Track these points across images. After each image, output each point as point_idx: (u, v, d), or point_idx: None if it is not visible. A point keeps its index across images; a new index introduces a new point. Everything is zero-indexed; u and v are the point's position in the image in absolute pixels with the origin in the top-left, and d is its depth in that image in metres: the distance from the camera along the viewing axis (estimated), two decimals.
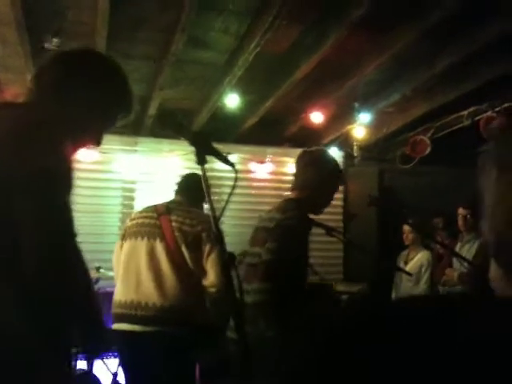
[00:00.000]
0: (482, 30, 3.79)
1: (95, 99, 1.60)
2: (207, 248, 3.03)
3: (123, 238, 3.20)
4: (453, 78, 4.67)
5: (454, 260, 4.41)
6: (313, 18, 3.80)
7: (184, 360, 2.96)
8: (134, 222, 3.19)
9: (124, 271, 3.07)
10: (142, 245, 3.05)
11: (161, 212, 3.14)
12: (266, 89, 4.91)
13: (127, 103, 1.72)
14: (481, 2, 3.49)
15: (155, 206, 3.26)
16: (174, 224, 3.05)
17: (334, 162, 2.73)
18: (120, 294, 3.03)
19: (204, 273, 3.04)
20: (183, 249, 3.00)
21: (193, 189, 3.27)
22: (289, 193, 2.75)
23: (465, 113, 5.28)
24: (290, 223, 2.40)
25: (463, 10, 3.47)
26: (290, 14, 3.46)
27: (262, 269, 2.32)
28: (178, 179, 3.51)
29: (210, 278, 3.03)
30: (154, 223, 3.09)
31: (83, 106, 1.58)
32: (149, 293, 2.92)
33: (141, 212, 3.31)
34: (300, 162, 2.71)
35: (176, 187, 3.42)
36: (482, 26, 3.75)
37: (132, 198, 5.67)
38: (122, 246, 3.18)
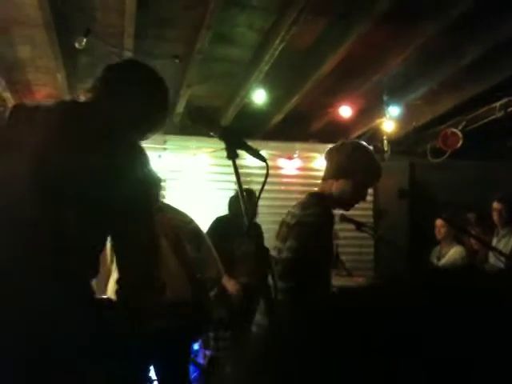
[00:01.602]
0: (506, 20, 3.69)
1: (149, 107, 1.76)
2: (205, 242, 3.20)
3: None
4: (481, 69, 4.57)
5: (490, 255, 4.31)
6: (338, 12, 3.75)
7: (189, 349, 3.18)
8: None
9: None
10: None
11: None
12: (292, 84, 4.88)
13: (166, 114, 1.86)
14: None
15: None
16: (172, 221, 3.11)
17: (365, 153, 2.51)
18: None
19: (204, 265, 3.16)
20: (185, 244, 3.08)
21: (160, 185, 3.36)
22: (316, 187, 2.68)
23: (497, 104, 5.16)
24: (309, 221, 2.30)
25: (489, 0, 3.39)
26: (314, 8, 3.43)
27: (282, 268, 2.27)
28: None
29: (219, 270, 3.23)
30: None
31: (141, 114, 1.73)
32: None
33: None
34: (326, 157, 2.58)
35: None
36: (508, 16, 3.66)
37: (162, 196, 5.70)
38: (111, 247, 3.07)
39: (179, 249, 3.05)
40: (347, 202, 2.51)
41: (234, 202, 4.42)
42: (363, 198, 2.53)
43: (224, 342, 4.06)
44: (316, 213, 2.33)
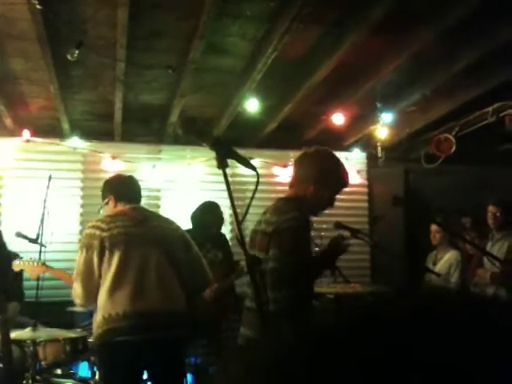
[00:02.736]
0: (501, 26, 3.72)
1: None
2: (194, 249, 3.17)
3: (102, 249, 2.92)
4: (473, 75, 4.60)
5: (485, 260, 4.32)
6: (330, 21, 3.78)
7: (184, 357, 3.18)
8: (115, 231, 2.96)
9: (117, 283, 2.88)
10: (136, 253, 2.94)
11: (140, 219, 3.07)
12: (285, 92, 4.90)
13: None
14: None
15: (124, 213, 3.09)
16: (159, 230, 3.07)
17: (332, 160, 2.57)
18: (120, 306, 2.84)
19: (195, 272, 3.15)
20: (176, 252, 3.06)
21: (138, 192, 3.28)
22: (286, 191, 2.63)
23: (489, 109, 5.19)
24: (289, 225, 2.28)
25: (483, 7, 3.41)
26: (306, 17, 3.45)
27: (272, 277, 2.24)
28: (114, 183, 3.27)
29: (207, 276, 3.22)
30: (141, 231, 3.02)
31: None
32: (156, 299, 2.90)
33: (109, 222, 3.01)
34: (298, 161, 2.58)
35: (120, 195, 3.18)
36: (502, 22, 3.69)
37: (157, 206, 5.71)
38: (100, 259, 2.92)
39: (171, 257, 3.02)
40: (320, 208, 2.55)
41: (196, 216, 4.54)
42: (332, 205, 2.58)
43: (203, 349, 4.08)
44: (295, 217, 2.32)
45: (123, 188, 3.22)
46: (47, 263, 3.97)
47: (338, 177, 2.55)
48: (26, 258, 3.94)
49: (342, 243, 2.61)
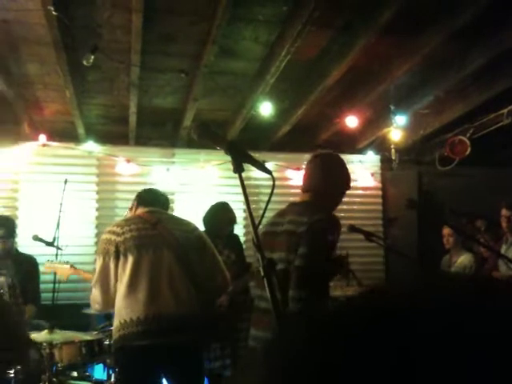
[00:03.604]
0: None
1: None
2: (210, 249, 3.16)
3: (117, 254, 2.93)
4: (486, 77, 4.57)
5: (500, 262, 4.29)
6: (341, 24, 3.78)
7: (201, 360, 3.13)
8: (128, 235, 2.96)
9: (131, 288, 2.89)
10: (148, 257, 2.93)
11: (154, 221, 3.06)
12: (298, 95, 4.90)
13: None
14: None
15: (139, 217, 3.12)
16: (174, 232, 3.05)
17: (340, 163, 2.64)
18: (134, 312, 2.85)
19: (210, 274, 3.13)
20: (190, 254, 3.04)
21: (164, 202, 3.31)
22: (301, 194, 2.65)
23: (504, 111, 5.14)
24: (323, 225, 2.32)
25: (493, 9, 3.39)
26: (318, 20, 3.45)
27: (297, 275, 2.25)
28: (142, 192, 3.33)
29: (226, 277, 3.19)
30: (154, 234, 3.01)
31: None
32: (169, 303, 2.89)
33: (124, 226, 3.03)
34: (308, 166, 2.64)
35: (141, 200, 3.25)
36: None
37: (171, 209, 5.72)
38: (116, 264, 2.92)
39: (183, 260, 3.01)
40: (331, 210, 2.57)
41: (207, 217, 4.56)
42: (337, 205, 2.65)
43: (215, 352, 4.09)
44: (324, 218, 2.36)
45: (145, 194, 3.28)
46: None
47: (346, 179, 2.62)
48: (55, 260, 4.03)
49: (344, 264, 2.73)
